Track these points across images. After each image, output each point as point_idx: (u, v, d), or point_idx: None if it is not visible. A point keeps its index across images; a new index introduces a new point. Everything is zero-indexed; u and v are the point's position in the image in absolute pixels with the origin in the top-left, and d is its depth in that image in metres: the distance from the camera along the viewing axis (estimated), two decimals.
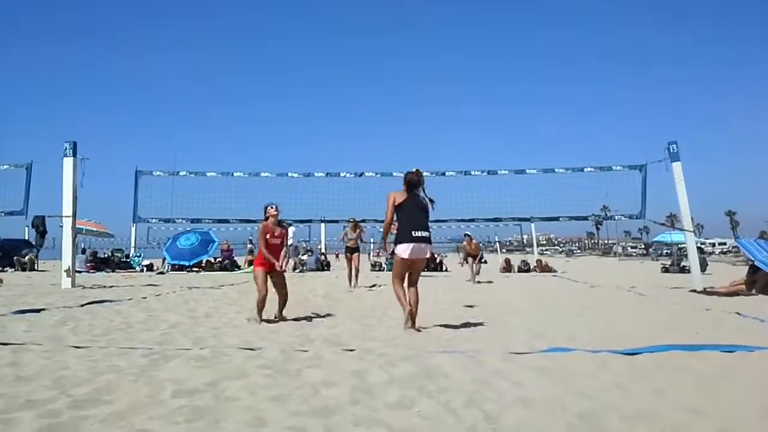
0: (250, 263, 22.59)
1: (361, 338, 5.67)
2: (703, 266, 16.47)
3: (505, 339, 5.53)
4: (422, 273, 6.48)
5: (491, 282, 15.20)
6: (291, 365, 4.27)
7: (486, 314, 7.73)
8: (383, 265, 22.86)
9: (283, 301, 7.28)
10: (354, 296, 10.34)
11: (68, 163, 12.78)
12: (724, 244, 67.64)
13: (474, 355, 4.62)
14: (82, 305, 8.44)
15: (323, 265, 22.26)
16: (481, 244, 46.48)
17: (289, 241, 22.00)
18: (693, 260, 12.83)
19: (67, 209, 12.63)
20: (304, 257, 22.94)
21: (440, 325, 6.56)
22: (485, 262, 32.21)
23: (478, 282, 15.14)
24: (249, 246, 25.88)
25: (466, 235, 17.47)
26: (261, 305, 6.96)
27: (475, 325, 6.66)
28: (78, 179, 12.85)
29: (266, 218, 7.22)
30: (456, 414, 3.07)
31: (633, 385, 3.62)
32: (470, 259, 16.10)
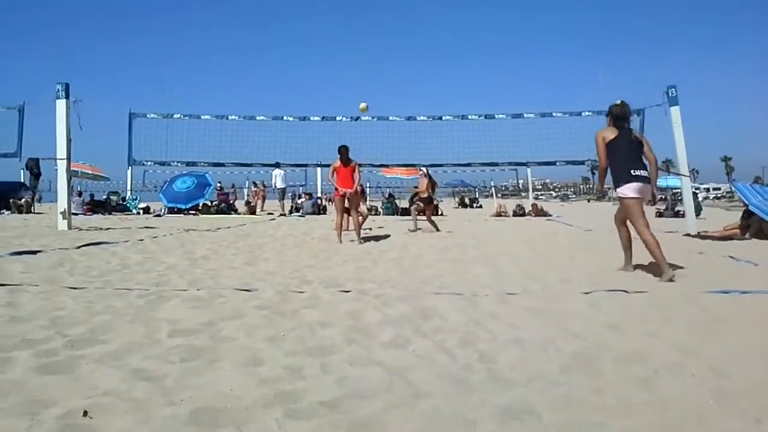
0: (247, 204, 22.57)
1: (357, 280, 5.70)
2: (698, 211, 16.46)
3: (500, 281, 5.56)
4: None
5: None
6: (287, 306, 4.30)
7: (481, 257, 7.76)
8: (379, 209, 22.93)
9: (358, 223, 10.19)
10: (349, 239, 10.33)
11: (61, 105, 12.58)
12: (719, 189, 67.40)
13: (469, 297, 4.66)
14: (79, 247, 8.43)
15: (320, 209, 22.32)
16: (475, 189, 45.21)
17: (280, 185, 22.08)
18: (688, 205, 12.84)
19: (61, 152, 12.50)
20: (300, 201, 22.96)
21: (435, 268, 6.60)
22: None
23: (424, 230, 12.22)
24: (254, 189, 25.76)
25: (420, 169, 14.07)
26: (339, 227, 9.96)
27: (470, 268, 6.69)
28: (72, 121, 12.68)
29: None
30: (451, 353, 3.10)
31: (626, 326, 3.66)
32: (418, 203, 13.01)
